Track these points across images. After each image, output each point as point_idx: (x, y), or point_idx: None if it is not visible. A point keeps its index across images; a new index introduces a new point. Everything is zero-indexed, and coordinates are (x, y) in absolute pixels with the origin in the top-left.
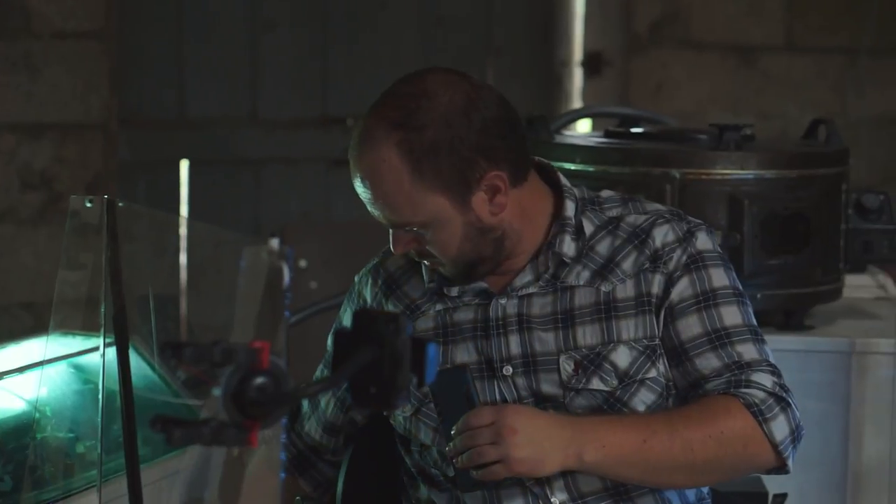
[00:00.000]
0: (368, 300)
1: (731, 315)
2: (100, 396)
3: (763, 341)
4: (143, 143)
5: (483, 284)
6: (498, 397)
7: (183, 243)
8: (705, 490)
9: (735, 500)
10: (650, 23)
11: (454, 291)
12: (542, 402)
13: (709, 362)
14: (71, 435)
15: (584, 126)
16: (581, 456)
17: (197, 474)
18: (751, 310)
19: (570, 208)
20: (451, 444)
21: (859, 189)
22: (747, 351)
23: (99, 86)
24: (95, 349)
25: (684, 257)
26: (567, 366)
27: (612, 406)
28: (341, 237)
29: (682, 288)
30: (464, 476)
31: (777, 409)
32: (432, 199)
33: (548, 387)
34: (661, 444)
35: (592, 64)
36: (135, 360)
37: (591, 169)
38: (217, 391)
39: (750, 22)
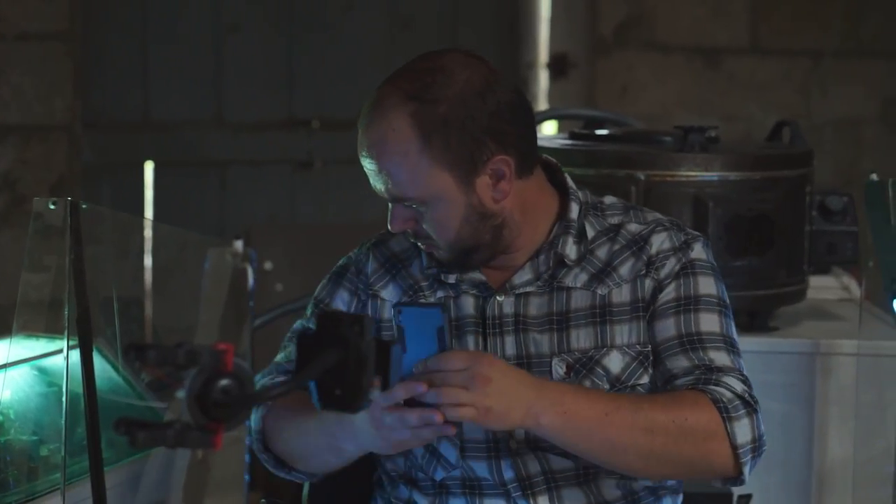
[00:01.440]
0: (369, 277)
1: (708, 322)
2: (63, 399)
3: (738, 354)
4: (107, 146)
5: (482, 277)
6: None
7: (148, 245)
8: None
9: (701, 502)
10: (615, 25)
11: (451, 279)
12: None
13: (679, 363)
14: (34, 438)
15: (549, 128)
16: (539, 418)
17: (161, 477)
18: (732, 323)
19: (574, 210)
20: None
21: (823, 191)
22: (719, 357)
23: (63, 88)
24: (59, 352)
25: (677, 266)
26: (559, 368)
27: None
28: (307, 239)
29: (667, 292)
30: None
31: (743, 411)
32: (437, 175)
33: None
34: (623, 420)
35: (558, 66)
36: (99, 363)
37: None
38: (181, 393)
39: (715, 24)
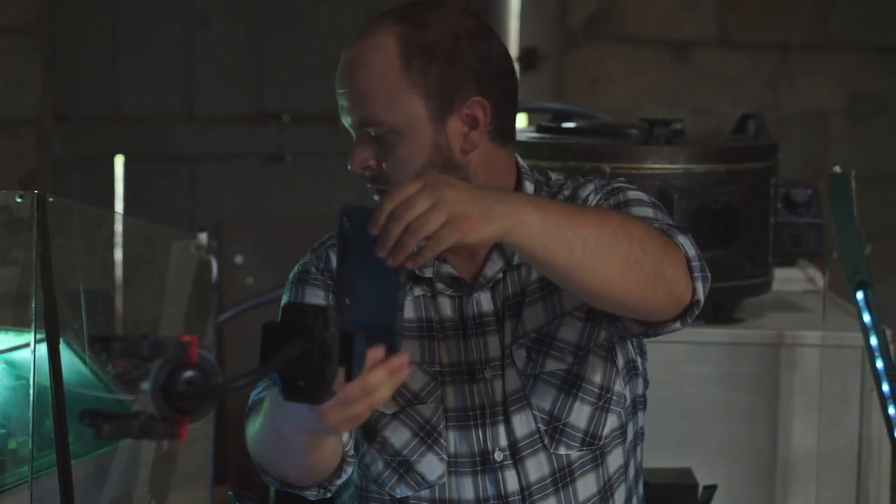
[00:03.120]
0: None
1: (644, 214)
2: (31, 392)
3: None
4: (77, 139)
5: (453, 271)
6: (478, 401)
7: (118, 239)
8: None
9: (666, 493)
10: (585, 18)
11: (427, 272)
12: (509, 397)
13: None
14: (2, 431)
15: (519, 122)
16: (522, 215)
17: (128, 469)
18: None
19: (529, 189)
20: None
21: (788, 183)
22: (667, 228)
23: (32, 81)
24: (26, 345)
25: (603, 194)
26: (519, 355)
27: (572, 384)
28: (277, 233)
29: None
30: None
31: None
32: (411, 101)
33: (511, 381)
34: (602, 215)
35: (528, 59)
36: (66, 356)
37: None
38: (146, 385)
39: (683, 17)
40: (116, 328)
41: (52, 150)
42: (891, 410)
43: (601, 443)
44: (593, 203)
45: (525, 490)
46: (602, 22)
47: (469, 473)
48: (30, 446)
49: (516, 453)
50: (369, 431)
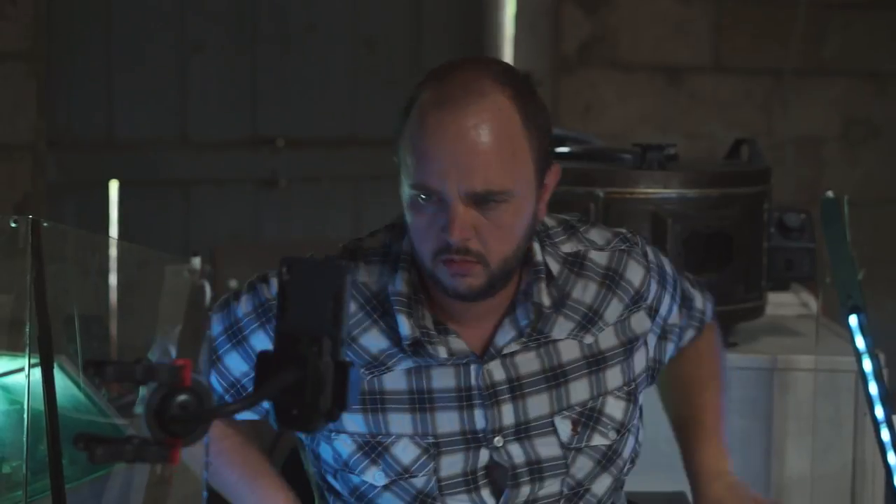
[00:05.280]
0: None
1: (688, 290)
2: (25, 417)
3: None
4: (71, 165)
5: (463, 344)
6: (478, 465)
7: (112, 264)
8: None
9: (659, 501)
10: (579, 43)
11: (440, 350)
12: (540, 464)
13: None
14: None
15: None
16: (732, 479)
17: (122, 494)
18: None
19: (537, 251)
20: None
21: (781, 208)
22: (698, 300)
23: (27, 106)
24: (21, 370)
25: (657, 281)
26: (564, 426)
27: (609, 459)
28: (271, 258)
29: (665, 303)
30: None
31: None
32: (527, 164)
33: (546, 450)
34: (721, 400)
35: None
36: (61, 380)
37: None
38: (139, 409)
39: (677, 43)
40: (111, 352)
41: (46, 176)
42: (884, 435)
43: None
44: (653, 289)
45: None
46: (596, 47)
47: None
48: (24, 471)
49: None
50: (361, 497)
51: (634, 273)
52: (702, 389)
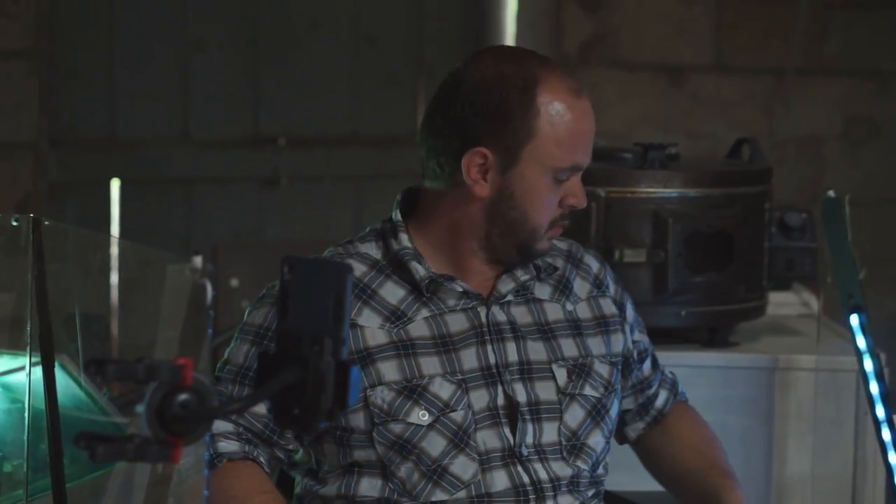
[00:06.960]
0: None
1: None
2: (26, 415)
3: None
4: (73, 163)
5: (469, 287)
6: (498, 402)
7: (114, 262)
8: None
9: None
10: (580, 43)
11: (456, 288)
12: (538, 405)
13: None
14: None
15: None
16: None
17: (123, 493)
18: None
19: None
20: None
21: (782, 207)
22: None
23: (29, 105)
24: (21, 369)
25: (612, 282)
26: (561, 374)
27: (598, 412)
28: (273, 256)
29: (629, 309)
30: None
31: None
32: None
33: (545, 393)
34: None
35: None
36: (62, 379)
37: None
38: (140, 408)
39: (679, 42)
40: (112, 351)
41: (47, 174)
42: (885, 435)
43: (601, 471)
44: (611, 285)
45: (555, 481)
46: (597, 46)
47: (501, 467)
48: (25, 469)
49: (541, 452)
50: (405, 445)
51: (591, 261)
52: (712, 445)
